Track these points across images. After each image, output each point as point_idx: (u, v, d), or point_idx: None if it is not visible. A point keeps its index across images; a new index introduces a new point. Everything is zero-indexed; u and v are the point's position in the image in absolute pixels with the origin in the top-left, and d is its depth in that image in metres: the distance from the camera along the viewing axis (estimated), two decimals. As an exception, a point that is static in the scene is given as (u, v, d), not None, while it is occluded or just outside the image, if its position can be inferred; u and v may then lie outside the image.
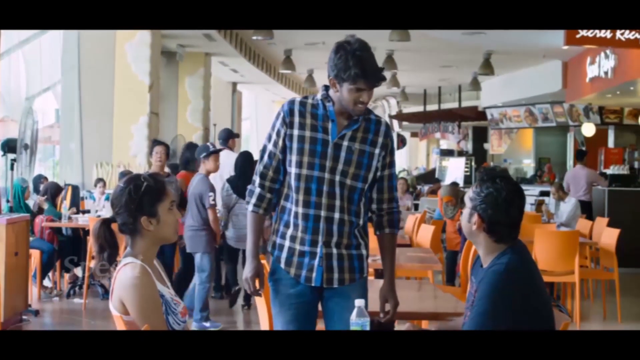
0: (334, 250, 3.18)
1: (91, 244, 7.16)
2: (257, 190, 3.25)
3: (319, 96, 3.20)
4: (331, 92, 3.17)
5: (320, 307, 3.29)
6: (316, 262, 3.17)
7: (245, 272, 3.24)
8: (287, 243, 3.21)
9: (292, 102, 3.21)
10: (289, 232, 3.20)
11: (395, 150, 3.38)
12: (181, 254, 7.39)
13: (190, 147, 7.99)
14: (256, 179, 3.26)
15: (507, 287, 2.62)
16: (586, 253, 8.20)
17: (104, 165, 10.52)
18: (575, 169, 11.92)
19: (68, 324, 7.12)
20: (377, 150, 3.20)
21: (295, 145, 3.16)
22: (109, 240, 2.80)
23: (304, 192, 3.15)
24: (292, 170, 3.17)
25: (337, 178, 3.15)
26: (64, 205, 8.50)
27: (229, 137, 8.83)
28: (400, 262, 5.86)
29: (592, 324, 7.42)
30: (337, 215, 3.16)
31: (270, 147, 3.23)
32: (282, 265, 3.22)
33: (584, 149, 12.30)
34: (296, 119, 3.17)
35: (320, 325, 3.40)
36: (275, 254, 3.25)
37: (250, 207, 3.27)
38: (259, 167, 3.26)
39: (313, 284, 3.19)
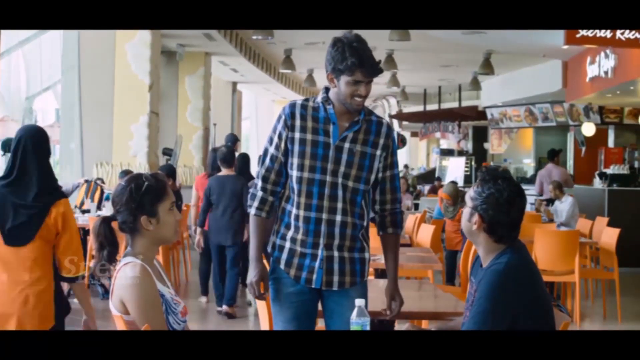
0: (336, 253, 3.18)
1: (91, 243, 7.17)
2: (260, 193, 3.24)
3: (319, 99, 3.20)
4: (331, 92, 3.17)
5: (320, 306, 3.29)
6: (317, 264, 3.17)
7: (250, 276, 3.22)
8: (287, 244, 3.20)
9: (293, 105, 3.21)
10: (290, 233, 3.20)
11: (397, 150, 3.38)
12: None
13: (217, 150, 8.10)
14: (258, 182, 3.24)
15: (506, 287, 2.63)
16: (586, 253, 8.20)
17: (104, 165, 10.52)
18: (548, 167, 11.93)
19: (68, 323, 7.09)
20: (378, 152, 3.20)
21: (296, 148, 3.15)
22: (108, 238, 2.80)
23: (305, 195, 3.15)
24: (294, 173, 3.16)
25: (339, 180, 3.14)
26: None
27: (236, 141, 9.64)
28: (401, 262, 5.85)
29: (592, 324, 7.42)
30: (339, 217, 3.16)
31: (272, 150, 3.22)
32: (282, 266, 3.21)
33: (556, 149, 12.33)
34: (297, 122, 3.17)
35: (321, 324, 3.40)
36: (275, 255, 3.24)
37: (252, 211, 3.25)
38: (261, 171, 3.24)
39: (313, 286, 3.19)
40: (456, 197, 8.61)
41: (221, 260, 7.52)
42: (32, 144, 3.65)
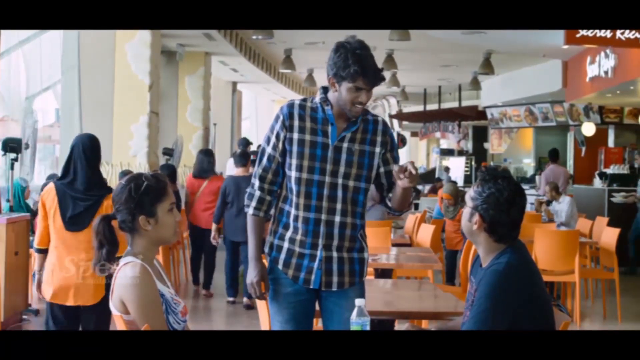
0: (335, 254, 3.18)
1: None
2: (257, 193, 3.24)
3: (317, 99, 3.20)
4: (329, 94, 3.16)
5: (317, 307, 3.28)
6: (315, 264, 3.16)
7: (250, 276, 3.21)
8: (285, 245, 3.20)
9: (291, 105, 3.21)
10: (288, 234, 3.19)
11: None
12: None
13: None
14: (255, 182, 3.25)
15: (506, 286, 2.63)
16: (586, 252, 8.20)
17: (104, 165, 10.52)
18: (551, 167, 11.91)
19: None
20: (377, 149, 3.20)
21: (295, 148, 3.15)
22: (108, 237, 2.80)
23: (304, 196, 3.15)
24: (292, 174, 3.16)
25: (340, 181, 3.14)
26: None
27: (248, 144, 10.50)
28: (401, 262, 5.88)
29: (592, 324, 7.42)
30: (337, 218, 3.16)
31: (269, 150, 3.22)
32: (280, 266, 3.21)
33: (558, 149, 12.35)
34: (296, 123, 3.17)
35: (320, 325, 3.40)
36: (273, 255, 3.24)
37: (250, 211, 3.25)
38: (258, 170, 3.24)
39: (311, 287, 3.19)
40: (456, 197, 8.62)
41: (233, 255, 7.91)
42: (84, 150, 4.39)
